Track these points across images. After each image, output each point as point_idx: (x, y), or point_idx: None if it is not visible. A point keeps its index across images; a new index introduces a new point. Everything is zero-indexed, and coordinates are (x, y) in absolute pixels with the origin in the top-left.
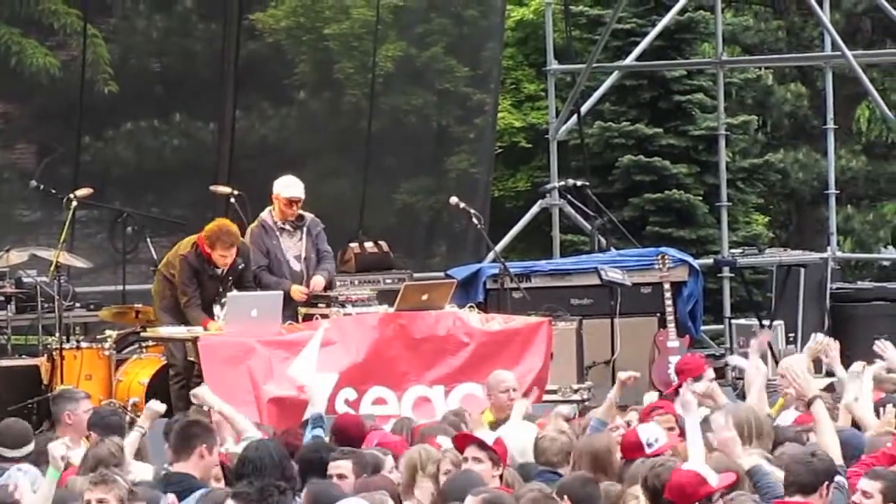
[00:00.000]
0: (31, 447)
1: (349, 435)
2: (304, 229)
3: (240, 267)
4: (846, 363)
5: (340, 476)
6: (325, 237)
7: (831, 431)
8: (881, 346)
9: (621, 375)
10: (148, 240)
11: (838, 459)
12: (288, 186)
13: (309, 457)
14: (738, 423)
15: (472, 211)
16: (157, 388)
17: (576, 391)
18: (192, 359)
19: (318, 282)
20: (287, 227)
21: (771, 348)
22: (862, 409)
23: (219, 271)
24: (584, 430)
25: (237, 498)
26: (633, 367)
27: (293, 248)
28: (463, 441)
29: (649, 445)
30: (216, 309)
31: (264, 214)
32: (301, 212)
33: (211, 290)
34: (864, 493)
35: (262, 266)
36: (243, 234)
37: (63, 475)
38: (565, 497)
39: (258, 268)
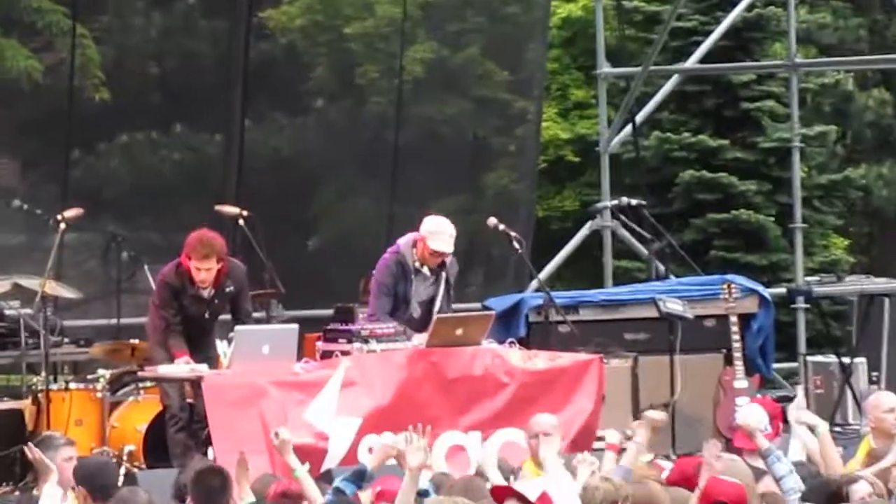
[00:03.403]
0: None
1: None
2: (443, 276)
3: (227, 290)
4: None
5: None
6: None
7: None
8: None
9: (649, 414)
10: (145, 267)
11: None
12: (436, 235)
13: None
14: None
15: (513, 234)
16: (156, 435)
17: (629, 438)
18: (190, 401)
19: None
20: (424, 270)
21: (852, 389)
22: None
23: (203, 293)
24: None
25: None
26: (696, 411)
27: (422, 293)
28: (502, 494)
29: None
30: (222, 345)
31: (404, 247)
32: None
33: (195, 313)
34: None
35: (384, 308)
36: (248, 261)
37: None
38: None
39: (372, 316)
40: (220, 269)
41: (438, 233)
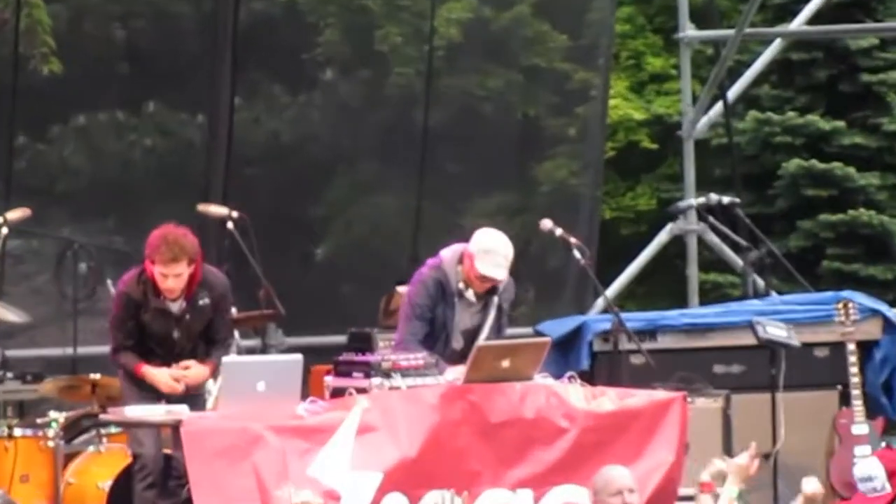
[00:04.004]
0: None
1: None
2: (493, 302)
3: (202, 303)
4: None
5: None
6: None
7: None
8: None
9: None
10: (109, 283)
11: None
12: (487, 256)
13: None
14: None
15: (574, 240)
16: (122, 494)
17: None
18: (167, 451)
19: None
20: (469, 294)
21: None
22: None
23: (172, 306)
24: None
25: None
26: (804, 462)
27: (466, 321)
28: None
29: None
30: (208, 382)
31: (448, 262)
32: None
33: (160, 332)
34: None
35: (416, 335)
36: (238, 273)
37: None
38: None
39: (400, 343)
40: (191, 276)
41: (490, 252)
